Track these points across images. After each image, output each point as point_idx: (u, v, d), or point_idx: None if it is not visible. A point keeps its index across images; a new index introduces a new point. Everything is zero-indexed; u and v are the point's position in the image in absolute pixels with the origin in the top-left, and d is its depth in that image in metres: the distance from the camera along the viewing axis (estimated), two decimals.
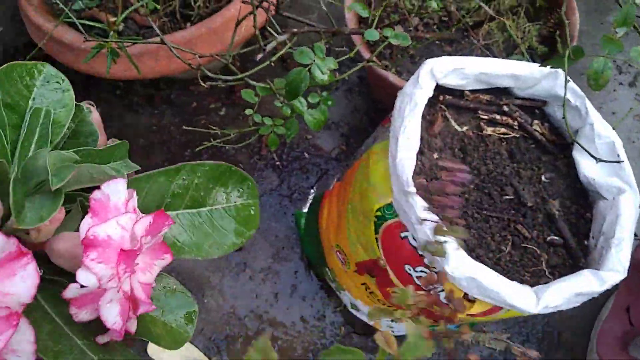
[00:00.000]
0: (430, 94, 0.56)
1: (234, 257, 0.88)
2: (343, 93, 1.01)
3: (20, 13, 0.82)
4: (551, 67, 0.57)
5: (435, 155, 0.59)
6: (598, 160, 0.51)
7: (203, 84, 0.54)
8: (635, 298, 0.76)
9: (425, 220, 0.40)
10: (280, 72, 1.01)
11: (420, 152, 0.57)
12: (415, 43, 0.73)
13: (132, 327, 0.28)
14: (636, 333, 0.74)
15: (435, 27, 0.83)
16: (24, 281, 0.23)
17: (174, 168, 0.36)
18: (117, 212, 0.27)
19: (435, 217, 0.47)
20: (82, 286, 0.25)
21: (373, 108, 1.00)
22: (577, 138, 0.60)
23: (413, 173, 0.53)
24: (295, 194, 0.93)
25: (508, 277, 0.51)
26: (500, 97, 0.63)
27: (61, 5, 0.66)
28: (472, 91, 0.62)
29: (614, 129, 0.52)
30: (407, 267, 0.55)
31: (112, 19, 0.57)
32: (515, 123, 0.63)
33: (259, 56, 0.48)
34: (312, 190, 0.93)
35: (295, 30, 0.55)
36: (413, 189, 0.50)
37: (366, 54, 0.74)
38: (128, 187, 0.30)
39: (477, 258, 0.54)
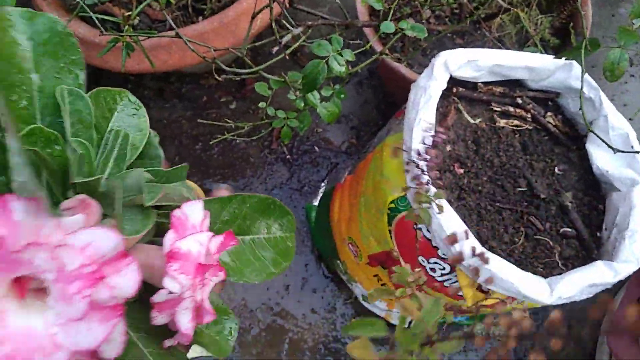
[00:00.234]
0: (444, 86, 0.57)
1: None
2: (353, 86, 1.01)
3: (33, 7, 0.82)
4: (566, 59, 0.57)
5: (448, 148, 0.59)
6: (615, 150, 0.51)
7: (218, 77, 0.54)
8: None
9: (409, 187, 0.42)
10: (291, 65, 1.01)
11: (433, 145, 0.57)
12: (427, 36, 0.73)
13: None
14: None
15: (447, 19, 0.82)
16: (127, 278, 0.26)
17: (227, 197, 0.39)
18: (194, 230, 0.30)
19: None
20: (170, 292, 0.27)
21: (383, 101, 1.00)
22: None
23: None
24: (306, 187, 0.94)
25: (521, 269, 0.51)
26: (513, 89, 0.63)
27: (76, 0, 0.67)
28: (486, 83, 0.62)
29: (630, 120, 0.51)
30: (420, 258, 0.56)
31: (127, 13, 0.57)
32: (529, 115, 0.63)
33: (275, 49, 0.48)
34: (322, 184, 0.93)
35: (310, 23, 0.55)
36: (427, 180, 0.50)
37: (378, 47, 0.74)
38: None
39: (491, 249, 0.54)
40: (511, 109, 0.63)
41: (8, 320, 0.25)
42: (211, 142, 0.91)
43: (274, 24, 0.47)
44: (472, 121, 0.62)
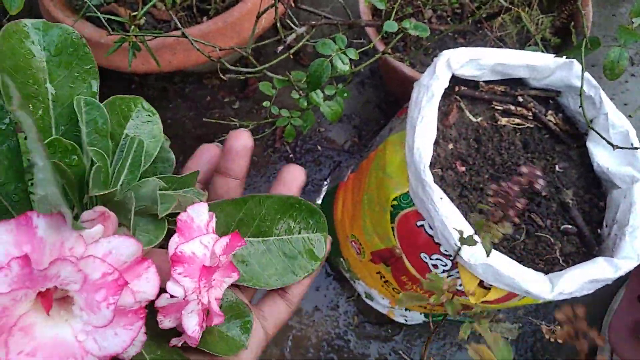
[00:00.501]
0: (447, 84, 0.57)
1: None
2: (355, 86, 1.02)
3: (39, 8, 0.83)
4: (566, 57, 0.58)
5: (450, 146, 0.60)
6: (615, 147, 0.52)
7: (222, 76, 0.55)
8: None
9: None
10: (294, 65, 1.02)
11: (436, 143, 0.58)
12: (429, 35, 0.74)
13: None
14: None
15: (449, 19, 0.83)
16: (148, 281, 0.27)
17: (241, 199, 0.38)
18: (200, 232, 0.30)
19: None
20: (171, 296, 0.28)
21: (385, 100, 1.01)
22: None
23: (429, 164, 0.53)
24: (309, 186, 0.95)
25: (523, 265, 0.52)
26: (514, 88, 0.64)
27: (82, 0, 0.67)
28: (487, 82, 0.63)
29: (630, 117, 0.52)
30: (422, 255, 0.56)
31: (133, 14, 0.58)
32: (530, 113, 0.64)
33: (280, 48, 0.49)
34: (325, 182, 0.94)
35: (314, 22, 0.56)
36: (430, 178, 0.51)
37: (380, 47, 0.75)
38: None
39: (492, 246, 0.55)
40: (512, 107, 0.63)
41: (37, 332, 0.25)
42: (216, 140, 0.92)
43: (278, 24, 0.48)
44: (473, 119, 0.62)
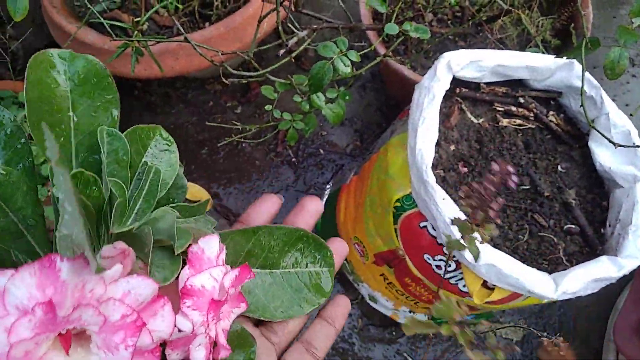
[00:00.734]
0: (448, 86, 0.58)
1: None
2: (356, 90, 1.03)
3: (42, 15, 0.84)
4: (567, 58, 0.58)
5: (452, 147, 0.60)
6: (616, 145, 0.52)
7: (225, 81, 0.55)
8: None
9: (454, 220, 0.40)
10: (295, 70, 1.02)
11: (437, 144, 0.58)
12: (430, 38, 0.74)
13: None
14: None
15: (449, 22, 0.84)
16: (164, 320, 0.27)
17: (251, 229, 0.38)
18: (210, 264, 0.30)
19: (462, 215, 0.48)
20: (179, 330, 0.28)
21: (386, 104, 1.02)
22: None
23: (431, 165, 0.54)
24: (312, 190, 0.95)
25: (526, 265, 0.52)
26: (515, 89, 0.64)
27: (85, 6, 0.68)
28: (488, 84, 0.63)
29: (631, 115, 0.52)
30: (426, 256, 0.56)
31: (136, 19, 0.59)
32: (531, 114, 0.64)
33: (282, 52, 0.49)
34: (328, 186, 0.94)
35: (315, 26, 0.57)
36: (432, 179, 0.51)
37: (381, 50, 0.75)
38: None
39: (495, 247, 0.55)
40: (514, 108, 0.64)
41: None
42: (219, 144, 0.93)
43: (280, 27, 0.49)
44: (475, 121, 0.63)
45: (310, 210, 0.46)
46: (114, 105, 0.35)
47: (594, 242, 0.58)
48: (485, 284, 0.54)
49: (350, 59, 0.47)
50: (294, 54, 0.54)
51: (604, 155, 0.60)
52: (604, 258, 0.54)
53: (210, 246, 0.31)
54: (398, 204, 0.56)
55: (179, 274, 0.31)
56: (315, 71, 0.46)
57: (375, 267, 0.67)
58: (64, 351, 0.26)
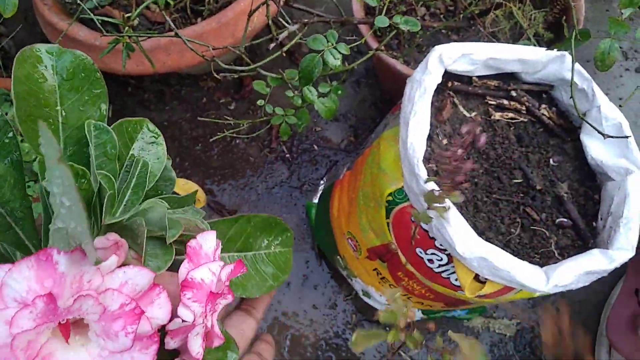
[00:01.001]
0: (439, 80, 0.57)
1: None
2: (350, 85, 1.02)
3: (33, 13, 0.84)
4: (558, 50, 0.58)
5: (445, 141, 0.60)
6: (606, 136, 0.52)
7: (217, 76, 0.55)
8: None
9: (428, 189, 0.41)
10: (288, 65, 1.02)
11: (430, 138, 0.58)
12: (422, 32, 0.74)
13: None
14: None
15: (441, 16, 0.83)
16: (160, 307, 0.28)
17: (233, 218, 0.40)
18: (207, 259, 0.31)
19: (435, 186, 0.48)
20: (183, 320, 0.29)
21: (380, 99, 1.01)
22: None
23: (423, 158, 0.54)
24: (306, 186, 0.95)
25: (518, 259, 0.52)
26: (507, 83, 0.64)
27: (77, 3, 0.68)
28: (480, 77, 0.63)
29: (620, 107, 0.52)
30: (418, 250, 0.56)
31: (126, 15, 0.58)
32: (523, 108, 0.64)
33: (272, 45, 0.49)
34: (322, 182, 0.94)
35: (306, 20, 0.56)
36: (424, 172, 0.51)
37: (374, 44, 0.75)
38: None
39: (487, 240, 0.55)
40: (506, 102, 0.64)
41: (59, 359, 0.26)
42: (211, 140, 0.93)
43: (270, 21, 0.48)
44: (467, 115, 0.63)
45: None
46: (102, 100, 0.36)
47: (586, 235, 0.58)
48: (477, 278, 0.54)
49: (340, 52, 0.47)
50: (285, 48, 0.53)
51: (596, 148, 0.60)
52: (595, 251, 0.54)
53: (207, 241, 0.32)
54: (390, 198, 0.56)
55: (171, 263, 0.32)
56: (305, 64, 0.46)
57: (368, 262, 0.67)
58: (64, 339, 0.26)
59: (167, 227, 0.31)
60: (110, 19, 0.69)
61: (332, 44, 0.47)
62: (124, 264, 0.29)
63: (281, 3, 0.57)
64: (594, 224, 0.60)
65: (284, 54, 0.56)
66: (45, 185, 0.31)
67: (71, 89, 0.34)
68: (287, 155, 0.97)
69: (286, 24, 0.55)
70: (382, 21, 0.50)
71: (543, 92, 0.66)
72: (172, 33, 0.57)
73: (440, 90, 0.61)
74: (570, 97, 0.54)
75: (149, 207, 0.34)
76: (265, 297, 0.45)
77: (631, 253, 0.52)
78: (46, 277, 0.25)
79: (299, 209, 0.93)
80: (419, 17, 0.81)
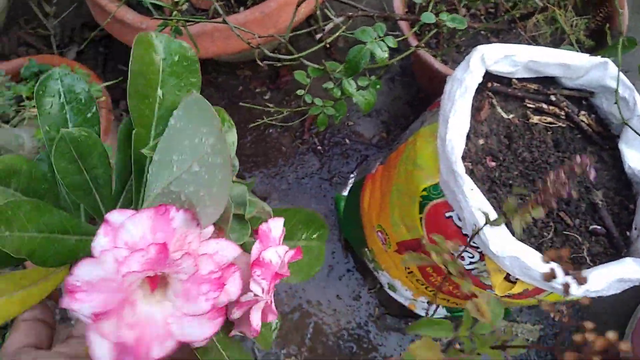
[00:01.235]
0: (480, 80, 0.58)
1: None
2: (385, 82, 1.03)
3: None
4: (602, 57, 0.58)
5: (481, 141, 0.60)
6: None
7: (260, 63, 0.56)
8: None
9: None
10: (325, 58, 1.03)
11: (467, 137, 0.58)
12: (462, 33, 0.74)
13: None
14: None
15: (482, 17, 0.83)
16: (234, 284, 0.30)
17: (283, 209, 0.43)
18: (274, 243, 0.34)
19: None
20: (255, 295, 0.31)
21: (415, 97, 1.02)
22: (625, 129, 0.60)
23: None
24: (336, 178, 0.96)
25: None
26: (547, 87, 0.64)
27: None
28: (520, 79, 0.63)
29: None
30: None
31: (175, 0, 0.60)
32: (562, 113, 0.64)
33: (318, 36, 0.50)
34: (352, 175, 0.95)
35: (350, 13, 0.57)
36: (462, 169, 0.51)
37: (413, 42, 0.76)
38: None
39: (520, 242, 0.55)
40: (545, 106, 0.64)
41: (137, 308, 0.28)
42: (250, 126, 0.94)
43: (318, 12, 0.49)
44: (505, 116, 0.63)
45: None
46: (196, 88, 0.38)
47: (619, 244, 0.58)
48: (507, 278, 0.55)
49: (388, 45, 0.48)
50: (329, 40, 0.54)
51: (633, 158, 0.60)
52: (628, 259, 0.54)
53: (276, 227, 0.34)
54: (425, 193, 0.57)
55: (248, 238, 0.35)
56: (352, 55, 0.47)
57: (397, 256, 0.68)
58: (148, 290, 0.28)
59: (247, 204, 0.34)
60: (158, 2, 0.71)
61: (381, 37, 0.47)
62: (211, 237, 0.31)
63: None
64: (627, 233, 0.60)
65: (327, 45, 0.57)
66: (160, 151, 0.32)
67: (172, 74, 0.37)
68: (319, 147, 0.98)
69: (331, 17, 0.55)
70: (428, 17, 0.51)
71: (583, 98, 0.65)
72: (220, 19, 0.59)
73: (479, 90, 0.61)
74: (615, 103, 0.53)
75: (234, 186, 0.36)
76: None
77: None
78: (160, 229, 0.27)
79: (328, 200, 0.94)
80: None
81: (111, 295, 0.26)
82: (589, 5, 0.85)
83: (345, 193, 0.91)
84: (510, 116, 0.63)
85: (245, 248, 0.33)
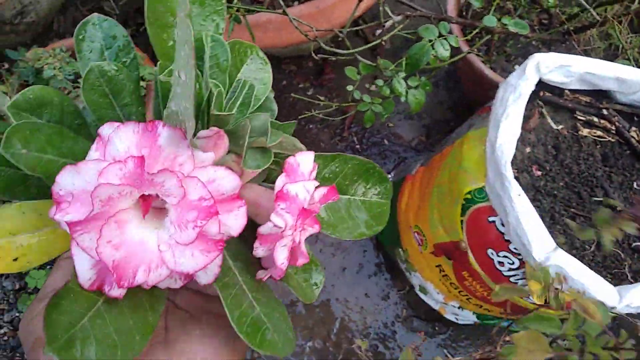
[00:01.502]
0: (534, 87, 0.58)
1: None
2: None
3: None
4: None
5: (528, 150, 0.60)
6: None
7: (315, 56, 0.57)
8: None
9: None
10: (370, 58, 1.04)
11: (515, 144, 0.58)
12: (513, 42, 0.74)
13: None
14: None
15: (535, 28, 0.83)
16: (236, 219, 0.29)
17: (330, 155, 0.40)
18: (303, 178, 0.32)
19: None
20: (274, 226, 0.29)
21: (458, 103, 1.02)
22: None
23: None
24: None
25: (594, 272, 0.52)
26: (600, 100, 0.64)
27: None
28: (572, 91, 0.63)
29: None
30: (489, 251, 0.57)
31: None
32: (613, 127, 0.63)
33: (379, 31, 0.51)
34: (389, 176, 0.96)
35: (408, 13, 0.58)
36: (511, 173, 0.51)
37: (464, 47, 0.76)
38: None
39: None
40: (595, 119, 0.63)
41: (127, 230, 0.28)
42: (299, 117, 0.96)
43: (381, 7, 0.50)
44: (554, 127, 0.62)
45: None
46: (220, 17, 0.37)
47: None
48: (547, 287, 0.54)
49: (450, 43, 0.49)
50: (387, 37, 0.55)
51: None
52: None
53: (305, 161, 0.32)
54: (469, 196, 0.57)
55: (268, 166, 0.33)
56: (413, 51, 0.48)
57: (432, 257, 0.68)
58: (141, 215, 0.28)
59: (269, 131, 0.32)
60: None
61: (443, 35, 0.48)
62: (221, 164, 0.30)
63: None
64: None
65: (383, 42, 0.57)
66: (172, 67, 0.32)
67: (195, 1, 0.36)
68: (357, 146, 0.99)
69: (391, 15, 0.56)
70: (490, 21, 0.51)
71: (635, 114, 0.65)
72: (280, 11, 0.60)
73: (530, 98, 0.61)
74: None
75: (252, 116, 0.35)
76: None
77: None
78: (145, 145, 0.27)
79: None
80: None
81: (91, 208, 0.26)
82: None
83: None
84: (560, 127, 0.63)
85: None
